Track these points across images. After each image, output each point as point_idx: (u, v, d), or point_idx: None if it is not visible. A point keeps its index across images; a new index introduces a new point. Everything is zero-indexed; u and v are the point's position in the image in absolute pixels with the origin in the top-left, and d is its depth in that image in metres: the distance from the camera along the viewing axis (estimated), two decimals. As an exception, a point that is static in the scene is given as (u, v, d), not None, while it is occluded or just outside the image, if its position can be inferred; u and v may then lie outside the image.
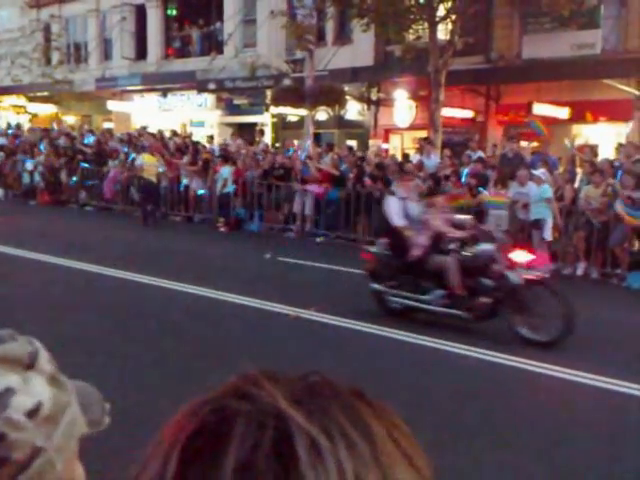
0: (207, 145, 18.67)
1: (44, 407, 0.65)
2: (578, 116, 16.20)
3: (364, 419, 0.48)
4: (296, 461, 0.43)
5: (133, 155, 17.05)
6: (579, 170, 13.10)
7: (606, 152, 14.47)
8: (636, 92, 15.47)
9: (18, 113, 29.29)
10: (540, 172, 11.66)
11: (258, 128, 20.78)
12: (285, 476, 0.43)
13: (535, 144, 15.68)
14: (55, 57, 29.04)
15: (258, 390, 0.47)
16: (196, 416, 0.47)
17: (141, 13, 26.21)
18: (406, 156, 16.16)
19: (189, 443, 0.46)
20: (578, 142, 16.31)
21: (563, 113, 16.37)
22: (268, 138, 21.48)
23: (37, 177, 19.16)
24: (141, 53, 26.42)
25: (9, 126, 26.40)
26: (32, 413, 0.65)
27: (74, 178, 18.25)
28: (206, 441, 0.45)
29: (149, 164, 15.63)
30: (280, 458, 0.43)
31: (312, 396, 0.48)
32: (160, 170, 15.88)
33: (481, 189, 12.36)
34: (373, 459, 0.45)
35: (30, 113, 29.29)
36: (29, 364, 0.66)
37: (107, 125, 26.22)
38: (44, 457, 0.65)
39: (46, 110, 28.89)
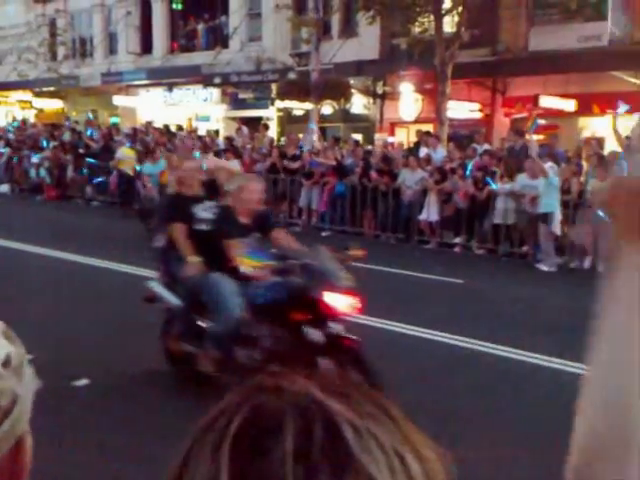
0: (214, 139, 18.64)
1: (12, 358, 0.69)
2: (585, 108, 16.12)
3: (382, 403, 0.52)
4: (347, 446, 0.47)
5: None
6: (585, 163, 13.04)
7: (613, 145, 14.39)
8: (644, 84, 15.37)
9: (24, 108, 29.37)
10: (547, 165, 11.61)
11: (262, 122, 20.77)
12: (340, 460, 0.46)
13: (542, 137, 15.61)
14: (61, 52, 29.07)
15: (291, 384, 0.50)
16: (238, 414, 0.49)
17: (146, 7, 26.20)
18: (411, 149, 16.10)
19: (238, 441, 0.47)
20: (585, 135, 16.25)
21: (570, 105, 16.29)
22: (273, 132, 21.45)
23: (43, 172, 19.21)
24: (146, 47, 26.41)
25: (15, 121, 26.48)
26: (5, 364, 0.68)
27: (83, 170, 18.26)
28: (258, 437, 0.47)
29: (127, 157, 16.08)
30: (333, 445, 0.46)
31: (333, 386, 0.52)
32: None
33: (489, 181, 12.33)
34: (402, 436, 0.50)
35: (36, 108, 29.35)
36: None
37: (113, 120, 26.24)
38: (21, 404, 0.69)
39: (52, 105, 28.95)
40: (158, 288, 5.52)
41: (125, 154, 16.21)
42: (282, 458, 0.45)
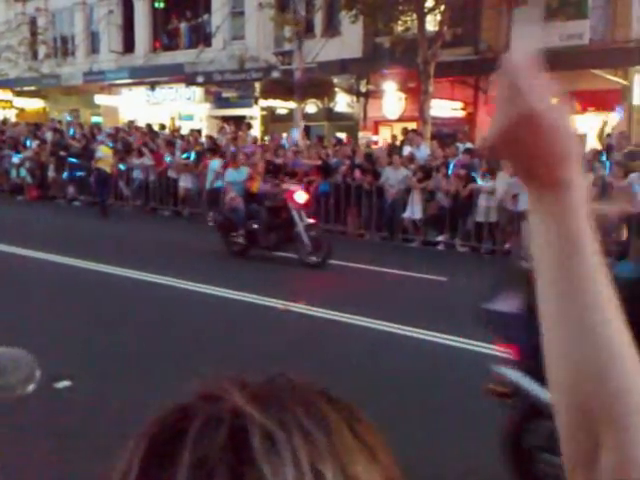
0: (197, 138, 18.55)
1: None
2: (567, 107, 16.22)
3: (322, 412, 0.48)
4: (251, 452, 0.44)
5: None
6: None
7: (594, 142, 14.53)
8: (624, 82, 15.52)
9: (4, 108, 29.04)
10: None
11: (245, 122, 20.72)
12: (240, 468, 0.43)
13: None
14: (42, 51, 28.81)
15: (219, 391, 0.48)
16: (159, 420, 0.48)
17: (128, 6, 26.02)
18: (395, 147, 16.13)
19: (151, 445, 0.46)
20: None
21: (552, 104, 16.39)
22: (257, 131, 21.41)
23: (23, 172, 19.02)
24: (129, 46, 26.25)
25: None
26: None
27: (65, 173, 18.13)
28: (165, 441, 0.46)
29: (106, 156, 16.14)
30: (235, 451, 0.44)
31: (271, 393, 0.49)
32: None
33: (475, 176, 12.38)
34: (329, 450, 0.46)
35: (17, 108, 29.06)
36: None
37: (95, 119, 26.06)
38: None
39: (33, 105, 28.68)
40: (517, 377, 3.66)
41: (103, 153, 16.25)
42: (181, 466, 0.44)
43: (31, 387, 0.84)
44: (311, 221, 10.68)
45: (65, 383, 5.27)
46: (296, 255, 10.47)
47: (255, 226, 10.77)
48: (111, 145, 17.67)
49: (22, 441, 4.17)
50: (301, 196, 10.57)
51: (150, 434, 0.47)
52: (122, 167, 16.81)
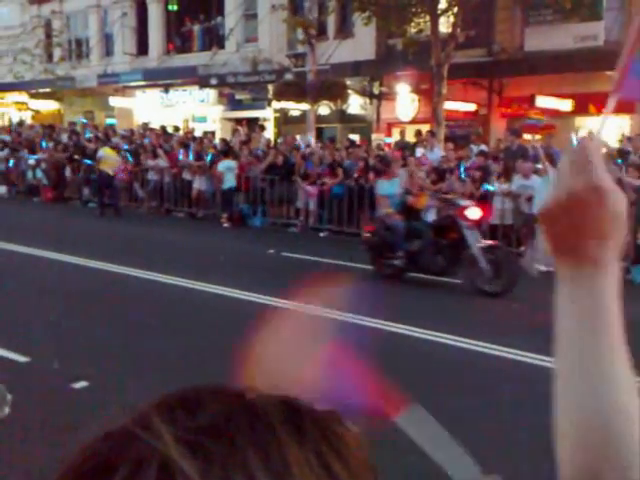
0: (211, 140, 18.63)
1: None
2: (581, 108, 16.16)
3: (279, 452, 0.42)
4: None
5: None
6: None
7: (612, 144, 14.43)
8: (639, 84, 15.41)
9: (20, 110, 29.31)
10: (543, 165, 11.65)
11: (259, 123, 20.78)
12: None
13: (538, 137, 15.65)
14: (57, 53, 29.05)
15: (145, 432, 0.43)
16: (74, 467, 0.44)
17: (142, 8, 26.18)
18: (406, 145, 16.11)
19: None
20: (581, 135, 16.28)
21: (566, 105, 16.33)
22: (270, 133, 21.46)
23: (39, 174, 19.19)
24: (142, 49, 26.40)
25: (11, 123, 26.44)
26: None
27: (80, 175, 18.28)
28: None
29: (109, 157, 16.27)
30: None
31: (215, 431, 0.43)
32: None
33: (486, 186, 12.34)
34: (263, 473, 0.41)
35: (32, 110, 29.30)
36: None
37: (109, 121, 26.23)
38: None
39: (48, 107, 28.91)
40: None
41: (106, 154, 16.38)
42: None
43: (6, 410, 0.84)
44: (490, 242, 9.49)
45: (83, 383, 5.31)
46: (461, 280, 9.25)
47: (418, 247, 9.48)
48: (125, 147, 17.78)
49: (41, 441, 4.22)
50: (475, 212, 9.28)
51: (73, 471, 0.43)
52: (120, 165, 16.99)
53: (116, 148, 17.15)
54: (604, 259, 0.70)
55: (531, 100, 15.89)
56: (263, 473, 0.41)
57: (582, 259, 0.71)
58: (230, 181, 14.99)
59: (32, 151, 19.87)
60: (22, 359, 5.62)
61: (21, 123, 25.04)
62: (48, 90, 27.81)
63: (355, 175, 13.95)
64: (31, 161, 19.44)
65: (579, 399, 0.69)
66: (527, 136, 15.28)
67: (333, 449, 0.44)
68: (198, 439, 0.42)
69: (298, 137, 17.93)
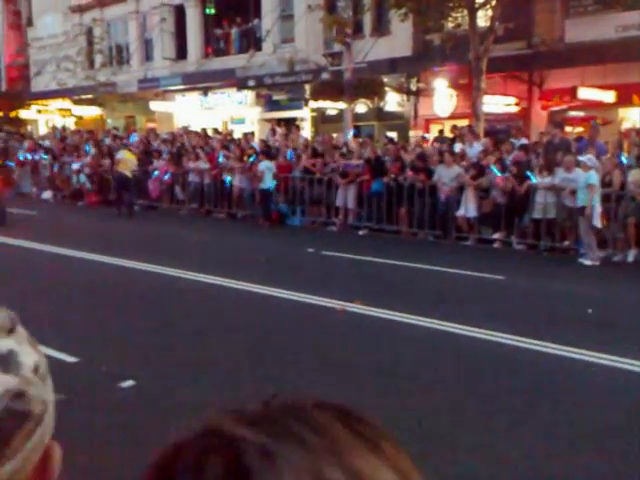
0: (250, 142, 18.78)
1: (40, 366, 0.70)
2: (624, 99, 15.79)
3: (312, 416, 0.48)
4: (249, 473, 0.44)
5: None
6: (626, 155, 12.78)
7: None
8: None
9: (64, 116, 29.99)
10: (586, 158, 11.42)
11: (295, 124, 20.86)
12: None
13: (581, 129, 15.36)
14: (98, 60, 29.63)
15: (213, 425, 0.48)
16: (158, 459, 0.49)
17: (180, 13, 26.52)
18: (444, 139, 15.97)
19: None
20: (625, 126, 15.91)
21: (609, 97, 15.97)
22: (307, 132, 21.51)
23: (82, 178, 19.60)
24: (181, 53, 26.74)
25: (55, 129, 27.08)
26: (35, 371, 0.69)
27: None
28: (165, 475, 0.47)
29: (127, 159, 16.80)
30: (234, 475, 0.44)
31: (264, 413, 0.49)
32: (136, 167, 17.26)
33: (529, 175, 12.17)
34: (328, 450, 0.46)
35: (75, 116, 29.96)
36: (11, 329, 0.69)
37: (151, 125, 26.64)
38: (49, 412, 0.69)
39: (91, 112, 29.52)
40: None
41: (125, 156, 16.91)
42: None
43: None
44: None
45: (129, 382, 5.41)
46: None
47: None
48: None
49: (90, 439, 4.31)
50: None
51: (149, 475, 0.48)
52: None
53: (134, 151, 17.77)
54: None
55: (573, 92, 15.58)
56: (297, 425, 0.47)
57: None
58: (269, 181, 15.09)
59: (77, 156, 20.31)
60: (71, 359, 5.75)
61: (65, 129, 25.61)
62: (90, 96, 28.38)
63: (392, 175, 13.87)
64: (75, 166, 19.87)
65: None
66: (569, 128, 15.00)
67: (357, 418, 0.50)
68: (255, 419, 0.48)
69: (335, 135, 17.92)
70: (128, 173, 16.65)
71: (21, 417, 0.65)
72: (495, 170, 12.52)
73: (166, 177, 17.63)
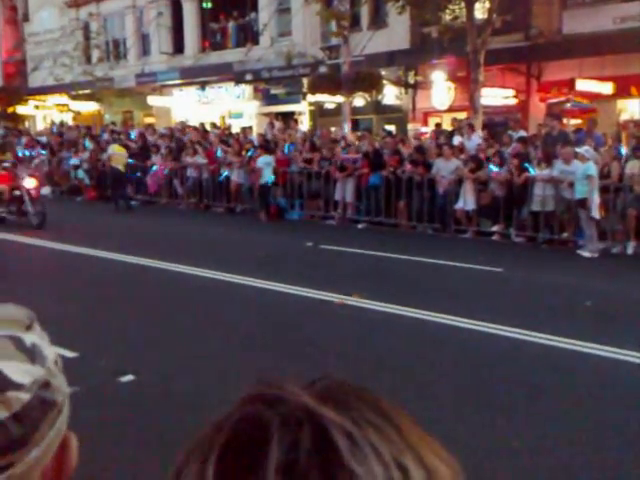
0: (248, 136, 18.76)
1: (58, 360, 0.74)
2: (623, 91, 15.77)
3: (386, 411, 0.49)
4: (337, 453, 0.44)
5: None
6: (624, 146, 12.79)
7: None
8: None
9: (61, 112, 29.92)
10: (584, 149, 11.42)
11: (293, 118, 20.83)
12: (331, 470, 0.44)
13: (579, 121, 15.35)
14: (95, 55, 29.54)
15: (282, 393, 0.48)
16: (225, 427, 0.47)
17: (177, 7, 26.44)
18: (441, 133, 15.95)
19: (224, 453, 0.46)
20: (623, 117, 15.92)
21: (607, 88, 15.95)
22: (305, 126, 21.48)
23: (81, 174, 19.58)
24: (178, 47, 26.68)
25: (53, 124, 27.03)
26: (56, 363, 0.73)
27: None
28: (243, 448, 0.46)
29: (118, 154, 16.93)
30: (321, 453, 0.44)
31: (331, 394, 0.49)
32: (130, 161, 17.38)
33: (527, 166, 12.16)
34: (404, 443, 0.47)
35: (73, 111, 29.89)
36: (29, 325, 0.73)
37: (148, 120, 26.62)
38: (67, 403, 0.73)
39: (88, 107, 29.45)
40: None
41: (115, 151, 17.05)
42: (269, 471, 0.44)
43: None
44: None
45: (129, 377, 5.42)
46: None
47: None
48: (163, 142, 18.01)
49: (89, 434, 4.32)
50: None
51: (220, 443, 0.46)
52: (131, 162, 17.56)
53: (124, 145, 17.84)
54: None
55: (571, 84, 15.56)
56: (370, 413, 0.48)
57: None
58: (268, 176, 15.08)
59: (75, 152, 20.28)
60: (71, 354, 5.75)
61: (62, 124, 25.55)
62: (88, 91, 28.32)
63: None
64: (73, 161, 19.84)
65: None
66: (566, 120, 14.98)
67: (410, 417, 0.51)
68: (330, 397, 0.48)
69: (333, 129, 17.91)
70: (121, 167, 16.75)
71: (48, 406, 0.70)
72: (492, 167, 12.52)
73: (165, 172, 17.62)
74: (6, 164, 14.61)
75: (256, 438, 0.45)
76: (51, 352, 0.73)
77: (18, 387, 0.67)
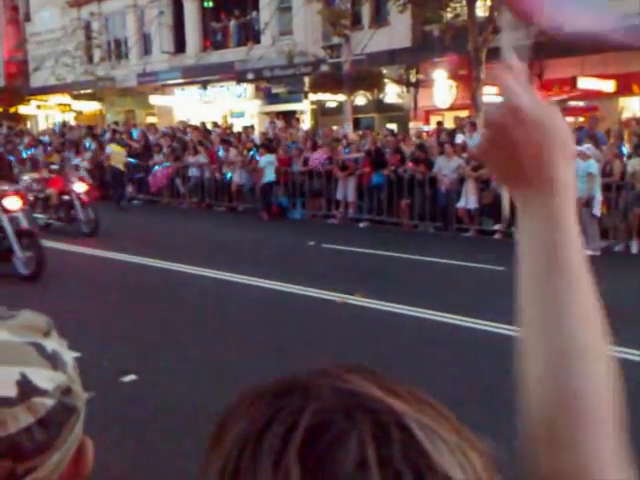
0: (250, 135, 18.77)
1: (75, 365, 0.75)
2: (625, 89, 15.75)
3: (423, 397, 0.50)
4: (420, 446, 0.45)
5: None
6: (626, 144, 12.77)
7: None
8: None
9: (63, 111, 29.95)
10: (585, 147, 11.40)
11: (295, 117, 20.83)
12: (417, 461, 0.44)
13: (581, 119, 15.33)
14: (96, 54, 29.56)
15: (346, 383, 0.47)
16: (300, 419, 0.45)
17: (178, 6, 26.44)
18: (444, 131, 15.94)
19: (306, 449, 0.44)
20: (625, 115, 15.89)
21: (609, 86, 15.93)
22: (307, 125, 21.48)
23: (83, 173, 19.56)
24: (180, 46, 26.68)
25: (55, 124, 27.06)
26: (74, 369, 0.75)
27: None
28: (329, 444, 0.44)
29: (117, 153, 17.02)
30: (408, 446, 0.44)
31: (384, 384, 0.49)
32: (132, 160, 17.53)
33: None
34: (457, 431, 0.48)
35: (75, 111, 29.91)
36: (47, 332, 0.74)
37: (150, 119, 26.62)
38: (84, 408, 0.75)
39: (90, 107, 29.47)
40: None
41: (114, 150, 17.09)
42: (358, 465, 0.43)
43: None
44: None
45: (131, 377, 5.43)
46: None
47: None
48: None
49: (91, 433, 4.32)
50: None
51: (301, 439, 0.44)
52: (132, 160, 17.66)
53: (123, 145, 17.95)
54: (552, 181, 0.66)
55: (573, 82, 15.54)
56: (424, 405, 0.48)
57: (528, 185, 0.67)
58: (270, 175, 15.08)
59: (77, 152, 20.27)
60: (73, 354, 5.77)
61: (64, 124, 25.57)
62: (89, 91, 28.33)
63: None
64: (75, 161, 19.84)
65: (539, 346, 0.67)
66: (569, 119, 14.96)
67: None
68: (394, 390, 0.48)
69: (335, 128, 17.90)
70: (121, 166, 16.80)
71: (69, 411, 0.71)
72: None
73: (166, 170, 17.62)
74: (54, 166, 14.01)
75: (340, 431, 0.44)
76: (70, 358, 0.75)
77: (43, 393, 0.68)
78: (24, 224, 9.08)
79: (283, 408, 0.46)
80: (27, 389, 0.67)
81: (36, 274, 8.66)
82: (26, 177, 12.28)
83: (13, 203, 8.90)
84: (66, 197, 12.63)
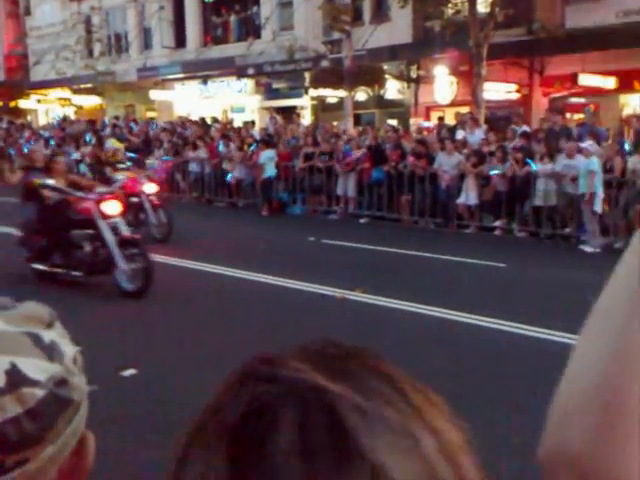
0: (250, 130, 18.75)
1: (78, 358, 0.74)
2: (626, 86, 15.72)
3: (390, 377, 0.47)
4: (349, 431, 0.43)
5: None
6: (627, 141, 12.75)
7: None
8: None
9: (64, 106, 29.91)
10: (587, 144, 11.39)
11: (295, 112, 20.80)
12: (341, 447, 0.42)
13: (582, 116, 15.30)
14: (97, 49, 29.50)
15: (286, 370, 0.46)
16: (233, 408, 0.45)
17: (178, 1, 26.39)
18: (443, 128, 15.94)
19: (236, 438, 0.44)
20: (626, 112, 15.87)
21: (610, 83, 15.90)
22: (307, 121, 21.46)
23: (83, 168, 19.57)
24: (180, 41, 26.63)
25: (55, 119, 27.04)
26: (74, 362, 0.73)
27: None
28: (257, 432, 0.44)
29: (116, 149, 16.65)
30: (333, 431, 0.43)
31: (330, 362, 0.47)
32: (132, 155, 16.94)
33: (529, 162, 12.13)
34: (410, 408, 0.46)
35: (75, 105, 29.87)
36: (50, 323, 0.73)
37: (150, 114, 26.60)
38: (85, 401, 0.73)
39: (90, 102, 29.43)
40: None
41: (113, 145, 16.89)
42: (281, 453, 0.42)
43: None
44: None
45: (131, 371, 5.44)
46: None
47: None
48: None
49: (91, 427, 4.33)
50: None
51: (232, 427, 0.44)
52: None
53: (122, 139, 17.79)
54: None
55: (574, 78, 15.51)
56: (374, 380, 0.47)
57: None
58: (270, 170, 15.07)
59: (77, 147, 20.28)
60: (76, 348, 5.77)
61: (65, 119, 25.54)
62: (90, 85, 28.28)
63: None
64: (75, 156, 19.84)
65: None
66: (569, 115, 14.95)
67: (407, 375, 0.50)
68: (324, 366, 0.47)
69: (335, 124, 17.89)
70: None
71: (63, 403, 0.70)
72: (493, 170, 12.45)
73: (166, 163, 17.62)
74: (122, 165, 12.37)
75: (267, 419, 0.44)
76: (71, 350, 0.73)
77: (33, 383, 0.67)
78: (126, 231, 8.00)
79: (222, 399, 0.47)
80: (16, 379, 0.66)
81: (142, 290, 7.66)
82: (120, 176, 10.38)
83: (113, 208, 7.89)
84: (134, 199, 10.99)
